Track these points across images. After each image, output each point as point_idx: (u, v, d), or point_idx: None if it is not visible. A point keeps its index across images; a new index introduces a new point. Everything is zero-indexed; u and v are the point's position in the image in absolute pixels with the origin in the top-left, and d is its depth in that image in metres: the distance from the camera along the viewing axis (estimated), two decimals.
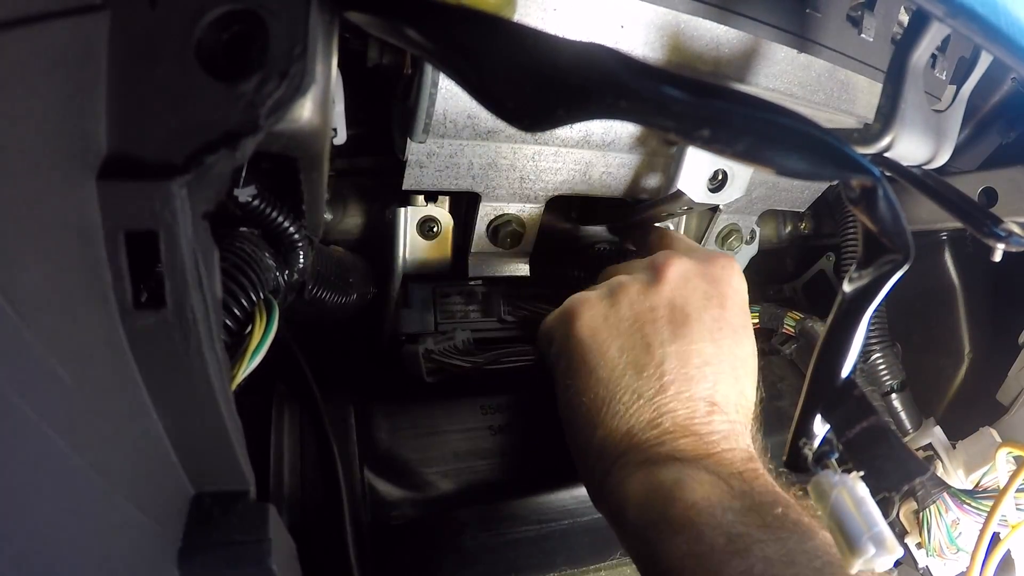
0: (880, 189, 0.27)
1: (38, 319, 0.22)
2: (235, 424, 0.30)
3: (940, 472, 0.61)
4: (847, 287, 0.32)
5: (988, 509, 0.52)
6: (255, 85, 0.25)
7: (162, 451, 0.29)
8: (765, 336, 0.68)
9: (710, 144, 0.24)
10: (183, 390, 0.28)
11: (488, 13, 0.27)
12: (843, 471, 0.35)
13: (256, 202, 0.39)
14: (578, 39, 0.24)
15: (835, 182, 0.27)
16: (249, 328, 0.39)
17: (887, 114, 0.36)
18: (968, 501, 0.55)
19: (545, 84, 0.24)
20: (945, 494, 0.56)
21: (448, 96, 0.42)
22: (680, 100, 0.23)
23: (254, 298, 0.39)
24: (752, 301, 0.66)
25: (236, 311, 0.38)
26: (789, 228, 0.73)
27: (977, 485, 0.58)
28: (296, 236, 0.42)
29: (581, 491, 0.49)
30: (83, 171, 0.24)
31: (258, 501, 0.32)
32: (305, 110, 0.28)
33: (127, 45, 0.25)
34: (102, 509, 0.25)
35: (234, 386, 0.38)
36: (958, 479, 0.60)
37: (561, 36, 0.24)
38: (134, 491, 0.27)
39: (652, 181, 0.53)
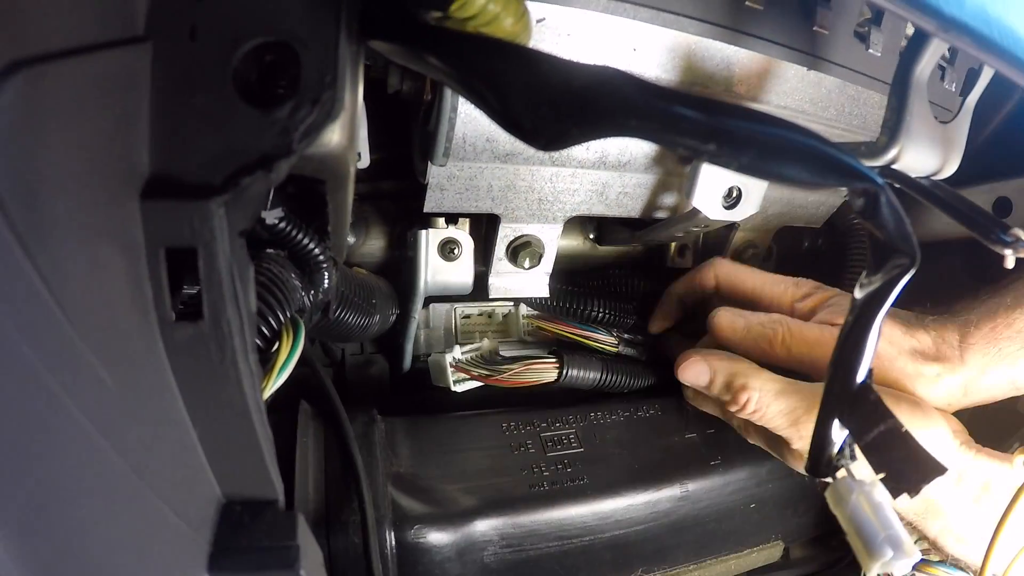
0: (883, 196, 0.28)
1: (86, 327, 0.23)
2: (266, 434, 0.31)
3: None
4: (858, 293, 0.33)
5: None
6: (289, 111, 0.27)
7: (196, 458, 0.30)
8: None
9: (716, 158, 0.26)
10: (217, 399, 0.29)
11: (505, 40, 0.29)
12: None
13: (283, 224, 0.41)
14: (590, 63, 0.25)
15: (842, 189, 0.28)
16: (276, 346, 0.40)
17: (893, 127, 0.37)
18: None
19: (560, 106, 0.25)
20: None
21: (467, 120, 0.44)
22: (687, 117, 0.25)
23: (281, 317, 0.40)
24: None
25: (264, 329, 0.40)
26: (807, 245, 0.73)
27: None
28: (321, 257, 0.44)
29: (601, 507, 0.50)
30: (127, 191, 0.26)
31: (288, 510, 0.33)
32: (335, 134, 0.29)
33: (168, 74, 0.27)
34: (140, 509, 0.26)
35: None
36: None
37: (574, 60, 0.25)
38: (169, 495, 0.28)
39: (668, 200, 0.54)
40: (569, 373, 0.54)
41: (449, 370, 0.52)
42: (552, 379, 0.54)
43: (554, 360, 0.54)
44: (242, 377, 0.29)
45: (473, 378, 0.52)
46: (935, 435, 0.47)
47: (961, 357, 0.47)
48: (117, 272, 0.26)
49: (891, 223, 0.29)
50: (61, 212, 0.23)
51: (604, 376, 0.56)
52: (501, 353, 0.54)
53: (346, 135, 0.29)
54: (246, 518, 0.32)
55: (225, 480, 0.31)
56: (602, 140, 0.47)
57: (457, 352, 0.52)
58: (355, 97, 0.30)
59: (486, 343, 0.54)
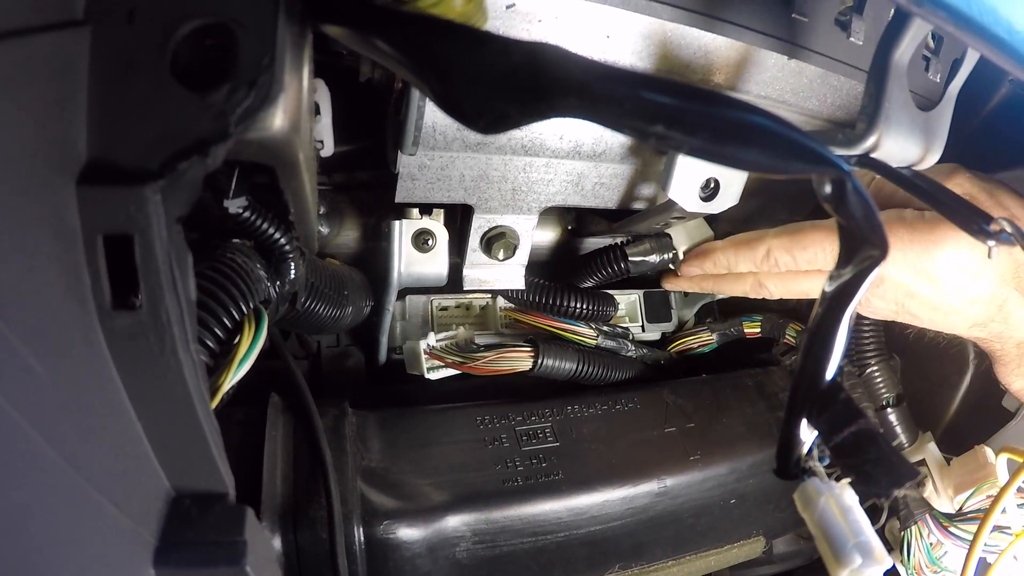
0: (849, 183, 0.27)
1: (13, 314, 0.23)
2: (212, 426, 0.31)
3: (929, 491, 0.59)
4: (827, 287, 0.32)
5: (970, 534, 0.53)
6: (225, 95, 0.27)
7: (141, 450, 0.29)
8: (766, 346, 0.67)
9: (665, 141, 0.24)
10: (159, 390, 0.28)
11: (446, 20, 0.28)
12: (833, 478, 0.35)
13: (246, 213, 0.40)
14: (528, 39, 0.24)
15: (803, 176, 0.27)
16: (238, 337, 0.40)
17: (871, 113, 0.36)
18: (948, 525, 0.55)
19: (498, 86, 0.24)
20: (928, 516, 0.55)
21: (437, 108, 0.43)
22: (630, 96, 0.24)
23: (244, 308, 0.40)
24: (754, 311, 0.65)
25: (226, 320, 0.39)
26: None
27: (962, 507, 0.57)
28: (287, 247, 0.43)
29: (577, 503, 0.49)
30: (63, 176, 0.25)
31: (237, 504, 0.32)
32: (276, 119, 0.28)
33: (106, 58, 0.27)
34: (76, 502, 0.26)
35: (221, 394, 0.39)
36: (945, 499, 0.59)
37: (512, 37, 0.24)
38: (111, 488, 0.27)
39: (645, 191, 0.52)
40: (544, 362, 0.54)
41: (423, 357, 0.51)
42: (527, 368, 0.54)
43: (529, 348, 0.53)
44: (183, 368, 0.28)
45: (447, 365, 0.52)
46: None
47: None
48: (50, 259, 0.25)
49: (859, 212, 0.28)
50: None
51: (580, 367, 0.56)
52: (476, 341, 0.53)
53: (289, 119, 0.28)
54: (194, 512, 0.31)
55: (173, 473, 0.31)
56: (576, 129, 0.46)
57: (432, 339, 0.52)
58: (299, 81, 0.29)
59: (461, 331, 0.54)
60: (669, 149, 0.25)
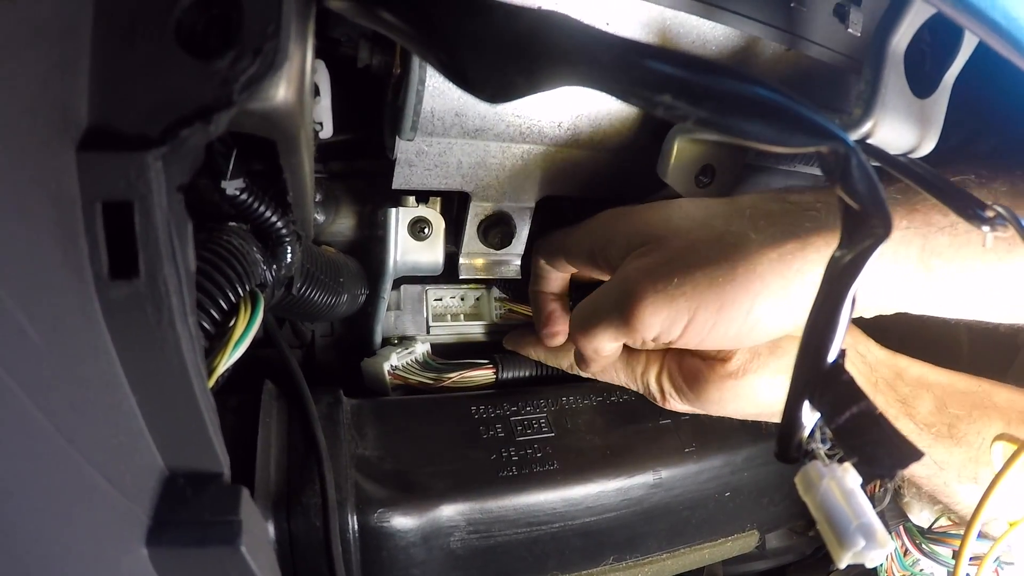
0: (854, 157, 0.27)
1: (9, 278, 0.22)
2: (208, 403, 0.30)
3: (910, 497, 0.59)
4: (829, 267, 0.32)
5: (932, 553, 0.56)
6: (229, 62, 0.26)
7: (135, 426, 0.29)
8: None
9: (671, 111, 0.24)
10: (155, 364, 0.28)
11: None
12: (835, 461, 0.35)
13: (243, 196, 0.40)
14: (535, 7, 0.24)
15: (808, 149, 0.27)
16: (233, 319, 0.39)
17: (867, 99, 0.36)
18: (918, 539, 0.55)
19: (504, 53, 0.24)
20: (901, 526, 0.56)
21: (435, 94, 0.43)
22: (638, 65, 0.24)
23: (240, 290, 0.39)
24: None
25: (222, 303, 0.38)
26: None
27: (933, 524, 0.58)
28: (284, 231, 0.42)
29: (571, 494, 0.49)
30: (64, 142, 0.25)
31: (232, 484, 0.32)
32: (279, 89, 0.28)
33: (110, 23, 0.26)
34: (67, 475, 0.25)
35: (217, 375, 0.38)
36: (927, 504, 0.59)
37: (518, 4, 0.24)
38: (104, 462, 0.27)
39: (642, 179, 0.53)
40: (504, 376, 0.57)
41: (387, 377, 0.51)
42: (491, 381, 0.56)
43: (490, 365, 0.56)
44: (181, 340, 0.27)
45: (412, 386, 0.52)
46: None
47: None
48: (48, 225, 0.24)
49: (863, 188, 0.28)
50: None
51: (537, 371, 0.58)
52: (435, 357, 0.55)
53: (293, 92, 0.28)
54: (189, 491, 0.31)
55: (167, 450, 0.30)
56: (574, 117, 0.46)
57: (394, 359, 0.53)
58: (303, 53, 0.29)
59: (419, 347, 0.55)
60: (675, 119, 0.25)
